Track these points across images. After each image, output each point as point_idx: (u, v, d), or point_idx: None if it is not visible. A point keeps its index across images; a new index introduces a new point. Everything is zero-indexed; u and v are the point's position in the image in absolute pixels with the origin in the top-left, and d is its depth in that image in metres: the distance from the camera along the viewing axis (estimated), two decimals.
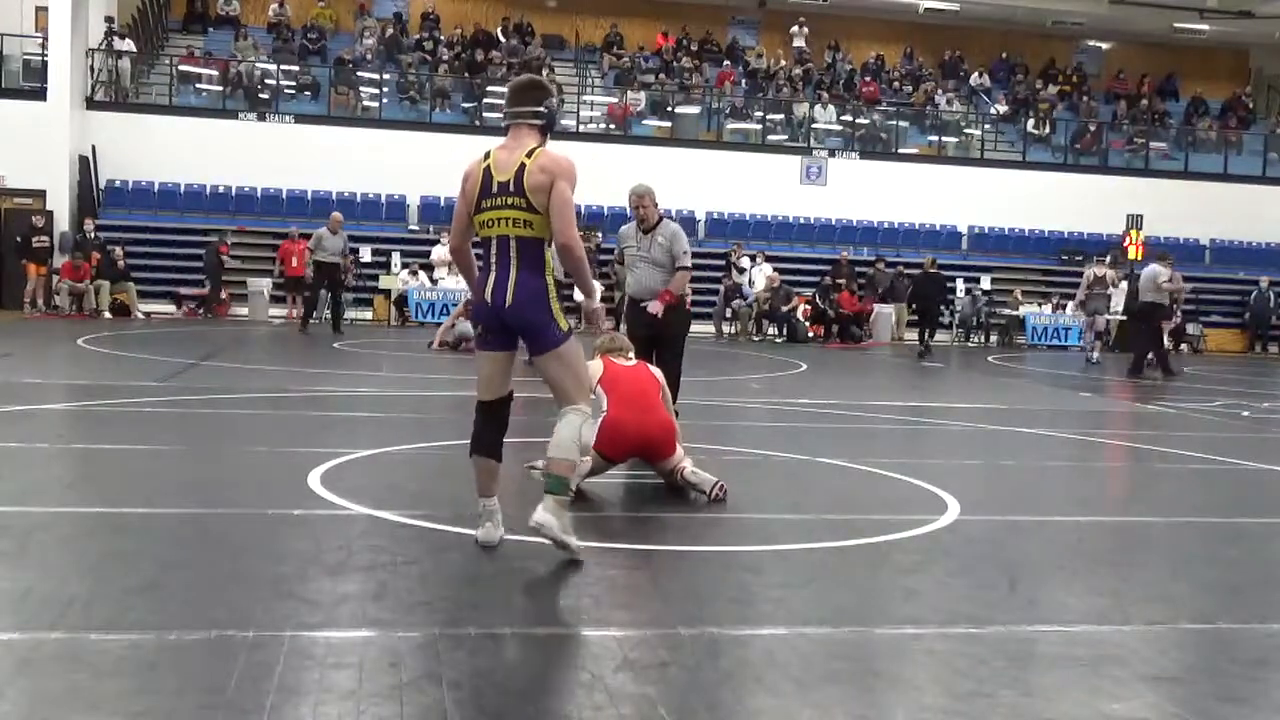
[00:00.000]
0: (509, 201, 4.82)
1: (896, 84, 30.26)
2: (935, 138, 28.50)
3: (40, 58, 22.97)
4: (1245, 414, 12.69)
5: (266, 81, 25.39)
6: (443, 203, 24.42)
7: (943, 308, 22.33)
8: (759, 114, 27.71)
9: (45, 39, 22.77)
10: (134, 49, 24.48)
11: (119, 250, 21.19)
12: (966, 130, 29.12)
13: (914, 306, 21.62)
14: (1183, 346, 24.97)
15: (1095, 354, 19.87)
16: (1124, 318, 21.28)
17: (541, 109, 4.99)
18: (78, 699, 3.19)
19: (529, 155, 4.83)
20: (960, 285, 24.73)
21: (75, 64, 22.77)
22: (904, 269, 24.71)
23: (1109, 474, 8.72)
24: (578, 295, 5.24)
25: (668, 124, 27.23)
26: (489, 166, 4.90)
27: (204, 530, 5.25)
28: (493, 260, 4.90)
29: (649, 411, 6.31)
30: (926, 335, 20.49)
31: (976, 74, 30.83)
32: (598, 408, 6.36)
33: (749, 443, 8.65)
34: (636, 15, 30.29)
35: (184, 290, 21.76)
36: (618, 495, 6.49)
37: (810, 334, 22.82)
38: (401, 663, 3.56)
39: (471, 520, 5.14)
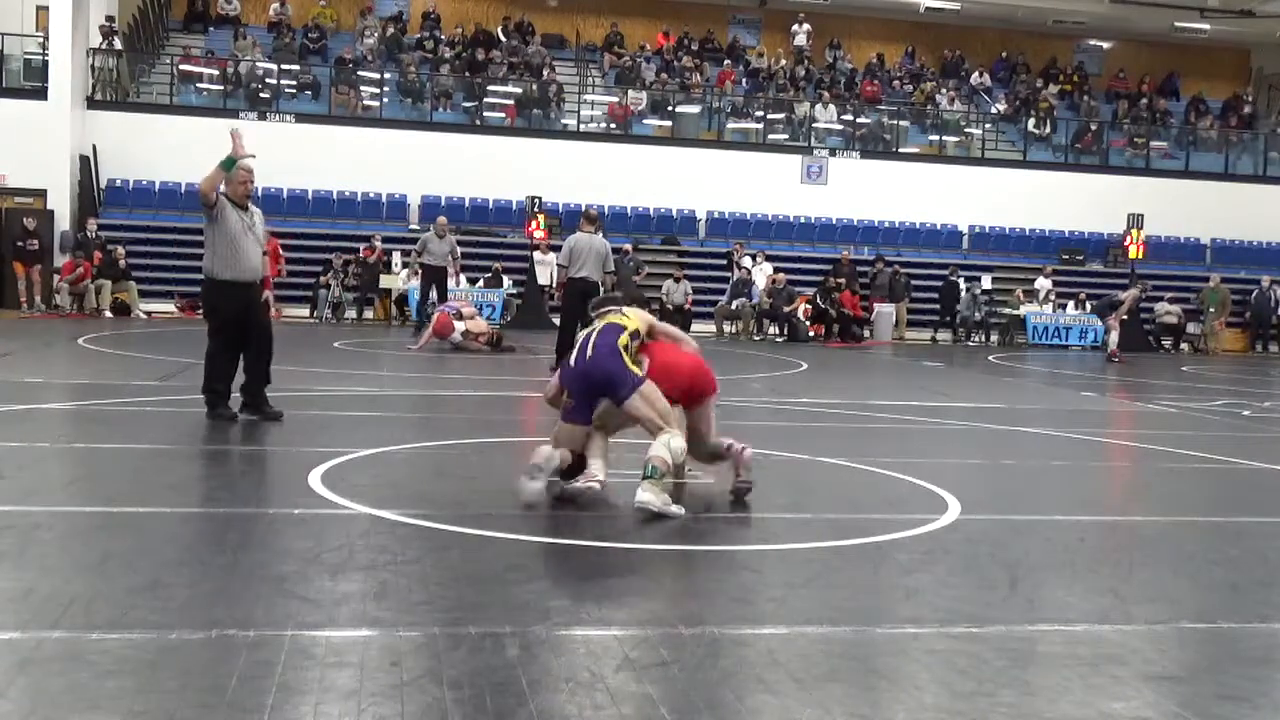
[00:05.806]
0: None
1: (897, 83, 30.25)
2: (936, 137, 28.49)
3: (41, 57, 22.99)
4: (1246, 413, 12.69)
5: (267, 81, 25.39)
6: (443, 202, 24.42)
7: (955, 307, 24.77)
8: (760, 113, 27.70)
9: (45, 39, 22.78)
10: (119, 48, 24.44)
11: (120, 249, 21.19)
12: (967, 130, 29.11)
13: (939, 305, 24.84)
14: (1183, 346, 24.98)
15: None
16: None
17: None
18: (78, 698, 3.18)
19: None
20: (960, 284, 24.81)
21: (76, 64, 22.78)
22: (900, 269, 24.72)
23: (1110, 473, 8.71)
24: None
25: (668, 123, 27.23)
26: None
27: (204, 530, 5.24)
28: None
29: (684, 353, 6.49)
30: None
31: (977, 73, 30.82)
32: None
33: (749, 442, 8.62)
34: (637, 14, 30.31)
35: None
36: (618, 495, 6.48)
37: (811, 333, 22.80)
38: (402, 662, 3.56)
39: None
